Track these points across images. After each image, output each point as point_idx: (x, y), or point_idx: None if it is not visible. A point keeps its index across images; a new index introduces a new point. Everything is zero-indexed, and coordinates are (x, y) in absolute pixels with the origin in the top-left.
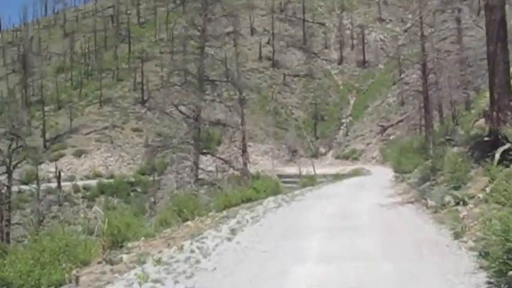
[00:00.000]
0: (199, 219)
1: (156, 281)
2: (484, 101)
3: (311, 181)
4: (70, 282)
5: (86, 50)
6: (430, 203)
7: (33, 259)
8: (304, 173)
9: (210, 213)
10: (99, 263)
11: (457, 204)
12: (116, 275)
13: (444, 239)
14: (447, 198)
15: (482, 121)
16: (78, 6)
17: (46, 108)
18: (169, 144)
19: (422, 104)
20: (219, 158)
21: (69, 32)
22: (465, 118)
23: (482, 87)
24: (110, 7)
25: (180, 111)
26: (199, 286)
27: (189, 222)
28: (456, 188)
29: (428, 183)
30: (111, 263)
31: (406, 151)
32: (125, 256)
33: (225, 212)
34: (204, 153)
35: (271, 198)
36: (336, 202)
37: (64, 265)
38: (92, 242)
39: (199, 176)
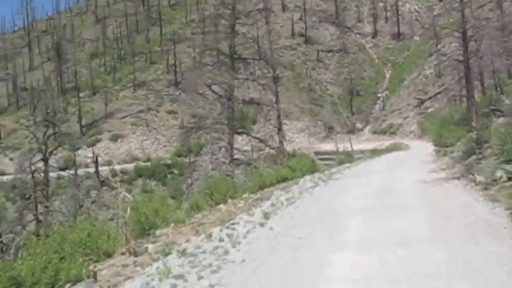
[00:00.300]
0: (232, 202)
1: (178, 276)
2: None
3: (348, 158)
4: (88, 277)
5: (118, 35)
6: (479, 178)
7: (51, 252)
8: (341, 149)
9: (244, 195)
10: (123, 254)
11: (510, 179)
12: (138, 268)
13: (500, 219)
14: (498, 173)
15: None
16: None
17: (81, 95)
18: (203, 125)
19: (462, 74)
20: (254, 137)
21: (100, 17)
22: (510, 87)
23: None
24: None
25: (213, 91)
26: (224, 282)
27: (221, 206)
28: (508, 162)
29: (474, 156)
30: (135, 254)
31: (447, 123)
32: (150, 246)
33: (259, 194)
34: (239, 133)
35: (307, 177)
36: (375, 180)
37: (82, 259)
38: (119, 230)
39: (235, 156)
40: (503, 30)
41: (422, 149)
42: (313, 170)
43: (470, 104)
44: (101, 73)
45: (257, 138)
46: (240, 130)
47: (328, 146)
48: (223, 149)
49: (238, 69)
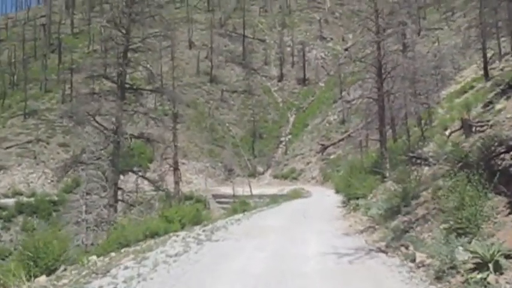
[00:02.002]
0: (61, 273)
1: None
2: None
3: (243, 205)
4: None
5: (14, 60)
6: (420, 256)
7: None
8: (240, 192)
9: (90, 258)
10: None
11: (479, 267)
12: None
13: None
14: (460, 255)
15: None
16: (8, 14)
17: None
18: (81, 160)
19: (369, 119)
20: (142, 176)
21: None
22: (428, 132)
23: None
24: (42, 16)
25: (98, 123)
26: None
27: (40, 279)
28: (466, 234)
29: (400, 216)
30: None
31: (356, 170)
32: None
33: (106, 259)
34: (123, 171)
35: (182, 234)
36: (270, 245)
37: None
38: None
39: (120, 197)
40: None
41: (326, 197)
42: (197, 221)
43: (383, 150)
44: None
45: (145, 178)
46: (125, 168)
47: (228, 189)
48: (99, 189)
49: (132, 102)
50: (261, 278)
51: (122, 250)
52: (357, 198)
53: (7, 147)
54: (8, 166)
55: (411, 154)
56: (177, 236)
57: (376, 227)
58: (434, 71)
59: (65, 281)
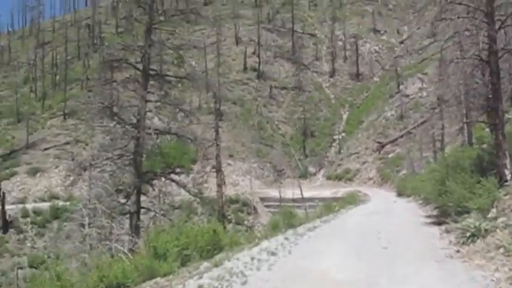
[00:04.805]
0: None
1: None
2: None
3: (288, 218)
4: None
5: (58, 61)
6: None
7: None
8: (290, 195)
9: None
10: None
11: None
12: None
13: None
14: None
15: None
16: (55, 17)
17: (4, 121)
18: (99, 159)
19: (445, 104)
20: (169, 178)
21: (43, 42)
22: None
23: None
24: (88, 18)
25: (117, 116)
26: None
27: None
28: None
29: None
30: None
31: (454, 171)
32: None
33: None
34: (145, 173)
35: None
36: None
37: None
38: None
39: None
40: None
41: (391, 203)
42: (212, 247)
43: (500, 138)
44: (31, 99)
45: (173, 180)
46: (146, 170)
47: (277, 192)
48: (104, 195)
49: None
50: None
51: None
52: (459, 213)
53: (45, 149)
54: (45, 168)
55: None
56: None
57: None
58: None
59: None
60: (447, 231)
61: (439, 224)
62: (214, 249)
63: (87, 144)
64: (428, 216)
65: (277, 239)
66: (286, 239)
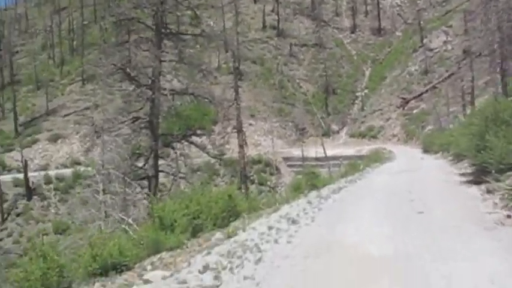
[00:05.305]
0: None
1: None
2: None
3: (311, 179)
4: None
5: (74, 26)
6: None
7: None
8: (313, 154)
9: None
10: None
11: None
12: None
13: None
14: None
15: None
16: None
17: (24, 89)
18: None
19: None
20: (189, 141)
21: (59, 8)
22: None
23: None
24: None
25: (132, 78)
26: None
27: None
28: None
29: None
30: None
31: (493, 123)
32: None
33: None
34: (163, 135)
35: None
36: None
37: None
38: None
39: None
40: None
41: (418, 160)
42: (228, 215)
43: None
44: (49, 66)
45: (193, 143)
46: (164, 132)
47: (300, 151)
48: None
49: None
50: None
51: None
52: (502, 171)
53: (65, 115)
54: (66, 135)
55: None
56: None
57: None
58: None
59: None
60: (489, 191)
61: (477, 183)
62: (230, 217)
63: (106, 109)
64: (463, 175)
65: (299, 203)
66: (309, 202)
